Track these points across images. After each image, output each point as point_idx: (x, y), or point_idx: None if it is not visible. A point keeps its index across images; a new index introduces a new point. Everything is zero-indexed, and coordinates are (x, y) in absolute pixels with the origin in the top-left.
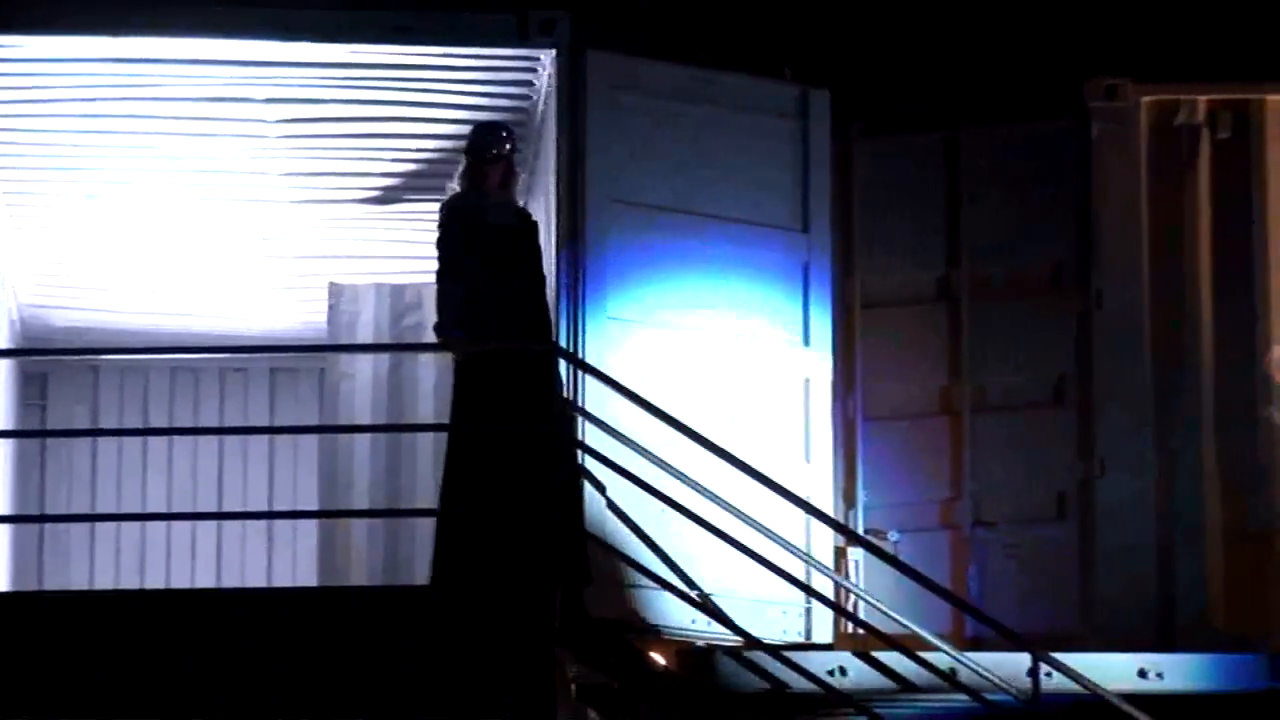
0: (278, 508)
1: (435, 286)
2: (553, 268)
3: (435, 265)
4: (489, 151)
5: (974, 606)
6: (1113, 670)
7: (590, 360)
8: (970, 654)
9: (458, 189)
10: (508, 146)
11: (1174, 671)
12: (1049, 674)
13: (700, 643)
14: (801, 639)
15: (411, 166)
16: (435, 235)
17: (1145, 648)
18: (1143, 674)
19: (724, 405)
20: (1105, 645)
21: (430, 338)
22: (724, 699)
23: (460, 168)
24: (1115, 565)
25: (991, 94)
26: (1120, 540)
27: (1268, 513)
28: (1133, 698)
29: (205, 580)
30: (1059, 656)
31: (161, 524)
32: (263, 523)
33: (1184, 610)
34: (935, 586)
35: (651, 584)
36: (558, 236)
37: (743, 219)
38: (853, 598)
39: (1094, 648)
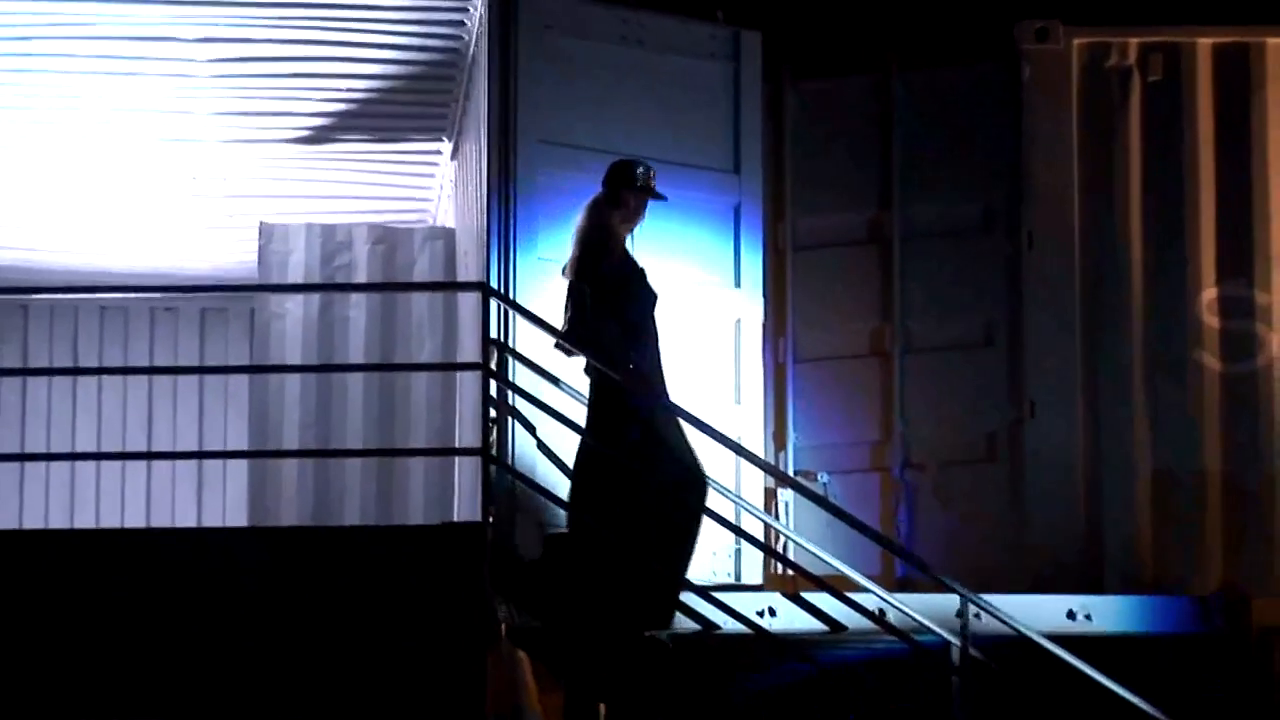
0: (208, 448)
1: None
2: (483, 208)
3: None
4: (649, 183)
5: (903, 548)
6: (1041, 612)
7: (520, 300)
8: (899, 595)
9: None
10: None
11: (1102, 613)
12: (977, 615)
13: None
14: (731, 580)
15: (342, 106)
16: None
17: (1074, 590)
18: (1071, 616)
19: None
20: (1034, 587)
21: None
22: (653, 640)
23: (596, 202)
24: (1044, 507)
25: (923, 37)
26: (1050, 482)
27: (1197, 456)
28: (1061, 639)
29: (135, 520)
30: (987, 598)
31: (91, 464)
32: (193, 463)
33: (1113, 553)
34: (865, 528)
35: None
36: (488, 177)
37: (674, 161)
38: (782, 539)
39: (1023, 589)
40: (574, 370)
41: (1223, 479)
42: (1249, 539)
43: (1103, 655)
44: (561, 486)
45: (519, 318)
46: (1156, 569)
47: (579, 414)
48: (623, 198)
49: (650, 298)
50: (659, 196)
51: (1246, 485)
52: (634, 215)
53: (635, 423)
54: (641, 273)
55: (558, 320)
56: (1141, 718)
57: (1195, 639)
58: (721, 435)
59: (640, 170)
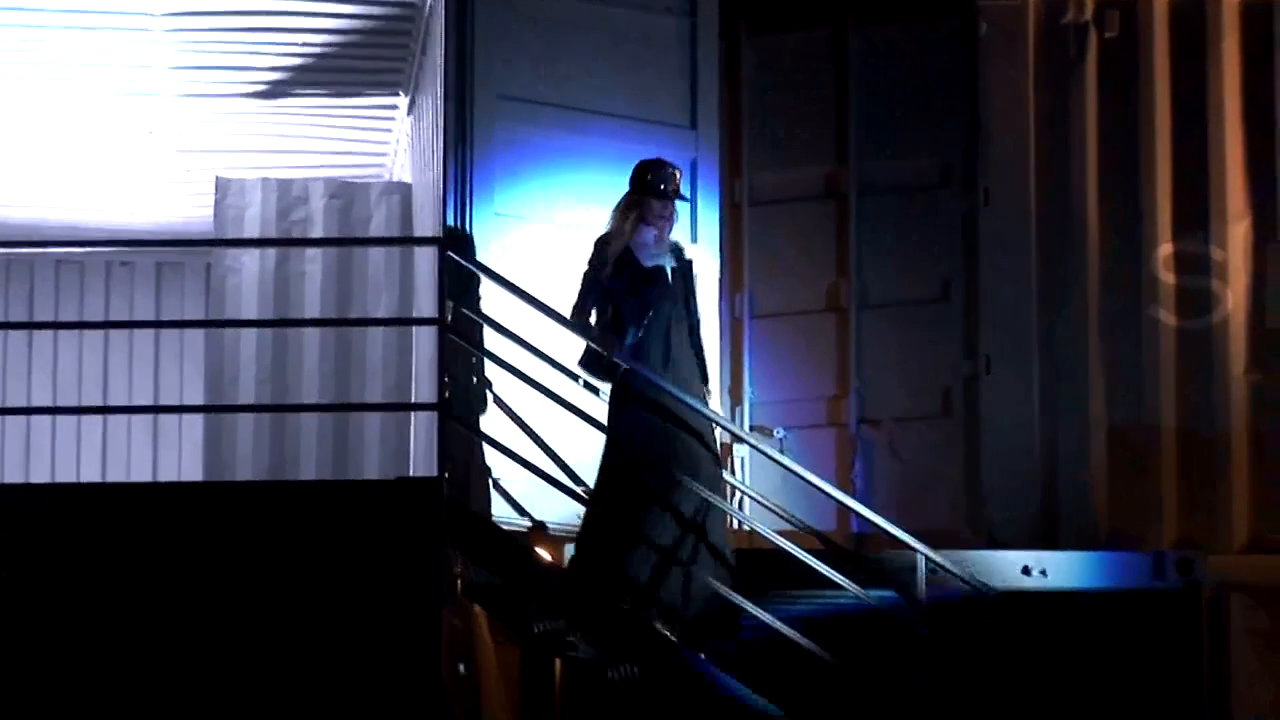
0: (163, 402)
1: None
2: (440, 163)
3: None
4: (658, 187)
5: (859, 504)
6: (996, 567)
7: (477, 255)
8: (855, 551)
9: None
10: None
11: (1057, 569)
12: (933, 571)
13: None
14: None
15: (298, 60)
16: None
17: (1029, 545)
18: (1026, 571)
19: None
20: (989, 543)
21: (316, 234)
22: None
23: (620, 201)
24: (1000, 463)
25: None
26: (1005, 438)
27: (1152, 412)
28: (1016, 595)
29: (91, 475)
30: (943, 554)
31: (47, 418)
32: (148, 417)
33: (1068, 508)
34: (820, 484)
35: (539, 480)
36: (444, 132)
37: (630, 116)
38: (739, 494)
39: (978, 545)
40: (536, 327)
41: (1178, 435)
42: (1204, 495)
43: (1058, 610)
44: (516, 441)
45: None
46: (1111, 524)
47: (540, 372)
48: (636, 200)
49: (647, 304)
50: (663, 197)
51: (1201, 441)
52: (653, 217)
53: (633, 405)
54: (647, 274)
55: (518, 277)
56: (1096, 672)
57: (1150, 594)
58: (678, 391)
59: (651, 174)
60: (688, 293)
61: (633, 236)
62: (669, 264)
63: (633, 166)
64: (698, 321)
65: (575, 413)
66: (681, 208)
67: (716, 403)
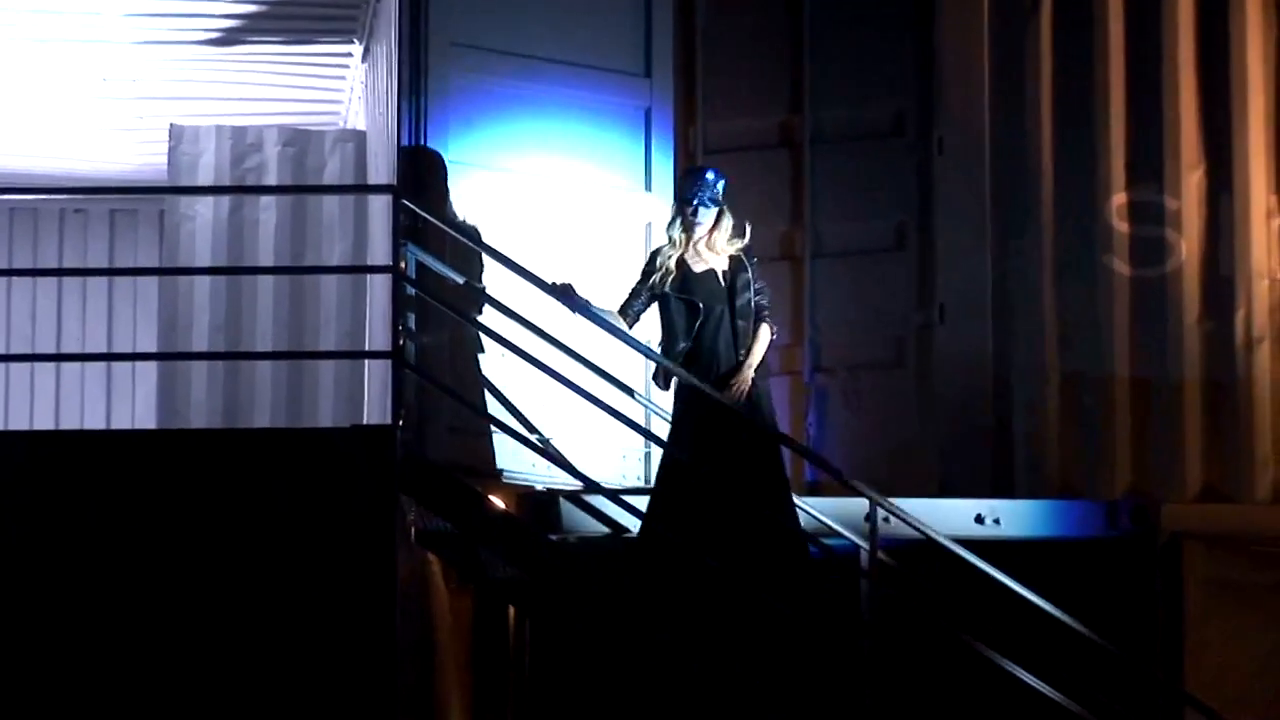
0: (117, 350)
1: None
2: (394, 111)
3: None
4: (682, 194)
5: (812, 451)
6: (950, 516)
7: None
8: (808, 499)
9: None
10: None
11: (1010, 517)
12: (886, 519)
13: (540, 487)
14: (641, 484)
15: (253, 7)
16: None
17: (982, 494)
18: (979, 520)
19: (565, 250)
20: (943, 491)
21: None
22: (563, 543)
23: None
24: (954, 412)
25: None
26: (958, 387)
27: (1106, 361)
28: (969, 543)
29: (44, 422)
30: (896, 502)
31: None
32: (102, 365)
33: (1021, 457)
34: (774, 431)
35: (492, 428)
36: (399, 80)
37: (585, 64)
38: None
39: (931, 493)
40: (489, 275)
41: (1131, 384)
42: (1157, 443)
43: (1011, 559)
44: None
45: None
46: (1065, 473)
47: (493, 320)
48: (674, 209)
49: (696, 307)
50: (686, 203)
51: (1155, 390)
52: (688, 223)
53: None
54: (698, 278)
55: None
56: (1049, 621)
57: (1103, 542)
58: (632, 339)
59: (688, 179)
60: (741, 286)
61: (684, 245)
62: (720, 265)
63: (585, 113)
64: (747, 302)
65: (531, 362)
66: (637, 155)
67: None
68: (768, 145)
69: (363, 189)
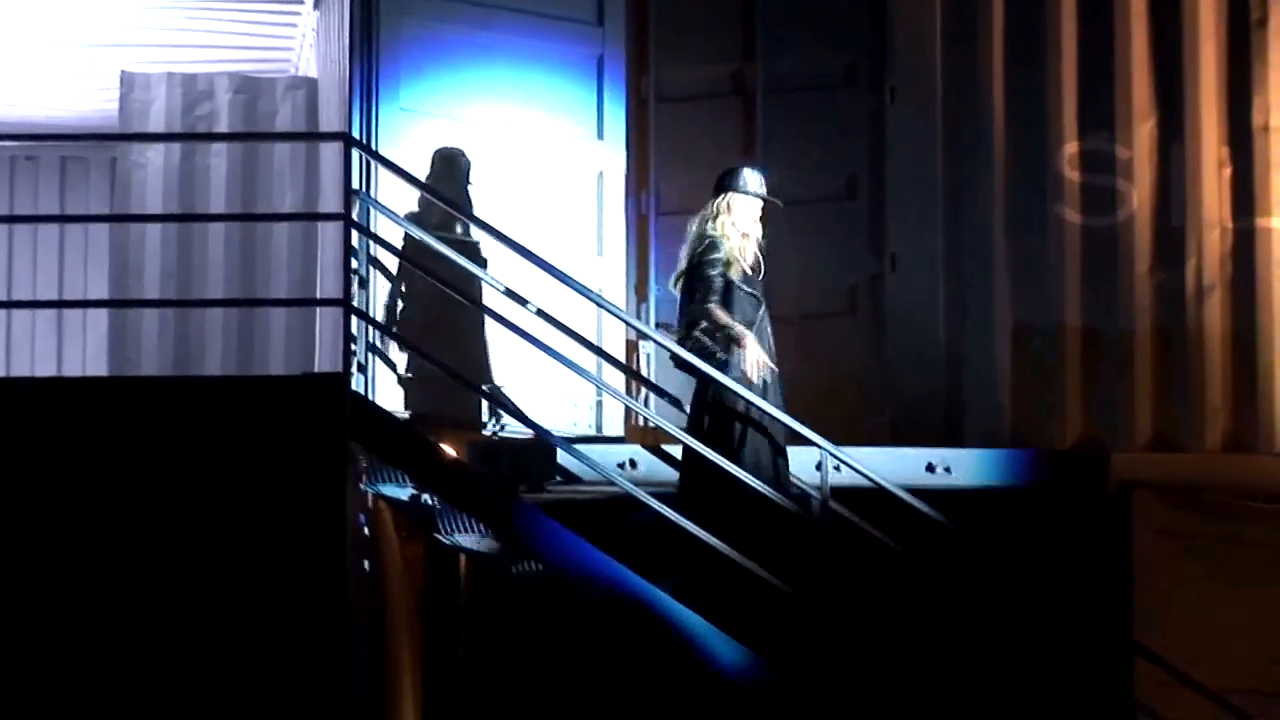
0: (68, 297)
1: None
2: (345, 58)
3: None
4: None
5: (764, 400)
6: (901, 465)
7: (381, 150)
8: None
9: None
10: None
11: (961, 466)
12: (837, 468)
13: (491, 435)
14: (593, 432)
15: None
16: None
17: (934, 443)
18: (930, 469)
19: (516, 198)
20: (894, 440)
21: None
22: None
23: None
24: (905, 361)
25: None
26: (910, 336)
27: (1057, 310)
28: (920, 492)
29: None
30: (847, 451)
31: None
32: (52, 312)
33: (972, 406)
34: (722, 378)
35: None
36: (350, 27)
37: (537, 12)
38: (644, 391)
39: (883, 442)
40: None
41: (1082, 333)
42: (1108, 393)
43: (962, 508)
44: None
45: (381, 168)
46: (1016, 422)
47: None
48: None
49: (750, 302)
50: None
51: (1106, 340)
52: (737, 220)
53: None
54: (748, 276)
55: (422, 173)
56: (998, 569)
57: (1054, 491)
58: (584, 287)
59: (759, 175)
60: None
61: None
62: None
63: (537, 61)
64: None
65: (483, 309)
66: (589, 103)
67: (621, 299)
68: (720, 94)
69: (314, 136)
